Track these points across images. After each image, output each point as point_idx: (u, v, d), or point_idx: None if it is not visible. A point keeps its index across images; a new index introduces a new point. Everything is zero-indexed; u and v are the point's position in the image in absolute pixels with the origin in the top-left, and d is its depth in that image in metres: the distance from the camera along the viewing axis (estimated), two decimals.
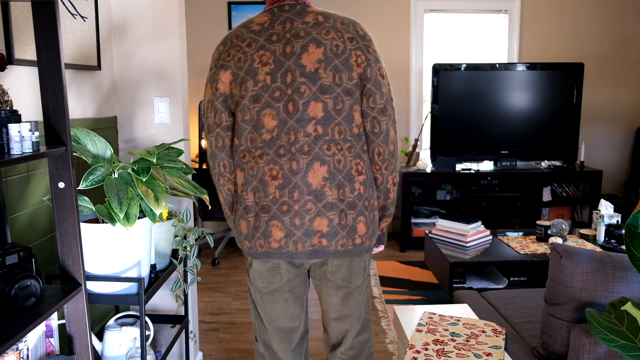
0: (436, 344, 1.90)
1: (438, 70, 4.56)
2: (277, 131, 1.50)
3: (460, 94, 4.62)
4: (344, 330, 1.73)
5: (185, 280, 2.16)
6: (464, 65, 4.59)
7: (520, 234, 3.68)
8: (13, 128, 1.32)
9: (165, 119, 2.36)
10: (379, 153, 1.57)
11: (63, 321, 1.59)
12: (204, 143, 4.27)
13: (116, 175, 1.69)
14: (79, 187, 1.59)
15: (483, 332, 1.99)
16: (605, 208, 3.35)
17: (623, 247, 3.18)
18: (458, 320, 2.09)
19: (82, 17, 2.03)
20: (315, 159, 1.50)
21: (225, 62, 1.55)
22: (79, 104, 2.06)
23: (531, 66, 4.62)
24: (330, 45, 1.50)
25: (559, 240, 3.28)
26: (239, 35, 1.57)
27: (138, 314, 1.90)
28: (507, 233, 3.69)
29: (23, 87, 1.69)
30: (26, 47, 1.68)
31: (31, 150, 1.35)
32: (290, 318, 1.69)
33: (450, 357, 1.81)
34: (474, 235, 3.44)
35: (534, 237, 3.58)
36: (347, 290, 1.67)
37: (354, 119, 1.53)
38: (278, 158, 1.51)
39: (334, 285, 1.66)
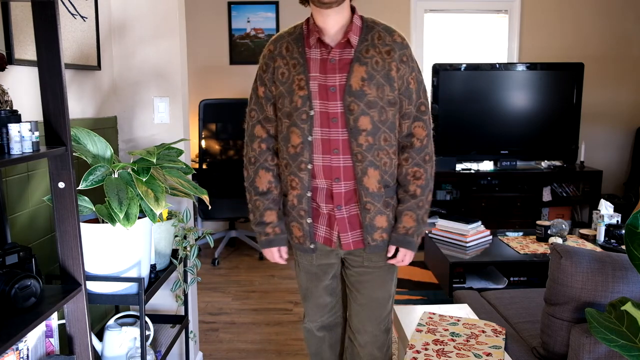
0: (436, 344, 1.90)
1: (438, 70, 4.56)
2: None
3: (460, 94, 4.62)
4: None
5: (185, 280, 2.16)
6: (464, 65, 4.59)
7: (520, 234, 3.68)
8: (13, 128, 1.32)
9: (165, 119, 2.36)
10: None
11: (63, 321, 1.59)
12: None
13: (116, 175, 1.69)
14: (79, 187, 1.59)
15: (483, 332, 1.99)
16: (605, 208, 3.35)
17: (623, 247, 3.18)
18: (458, 320, 2.09)
19: (82, 17, 2.03)
20: None
21: None
22: (79, 104, 2.06)
23: (531, 66, 4.62)
24: None
25: (559, 240, 3.28)
26: None
27: (138, 314, 1.90)
28: (507, 233, 3.69)
29: (23, 87, 1.69)
30: (26, 47, 1.68)
31: (31, 150, 1.35)
32: None
33: (450, 357, 1.81)
34: (474, 235, 3.44)
35: (534, 237, 3.58)
36: None
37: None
38: None
39: None
